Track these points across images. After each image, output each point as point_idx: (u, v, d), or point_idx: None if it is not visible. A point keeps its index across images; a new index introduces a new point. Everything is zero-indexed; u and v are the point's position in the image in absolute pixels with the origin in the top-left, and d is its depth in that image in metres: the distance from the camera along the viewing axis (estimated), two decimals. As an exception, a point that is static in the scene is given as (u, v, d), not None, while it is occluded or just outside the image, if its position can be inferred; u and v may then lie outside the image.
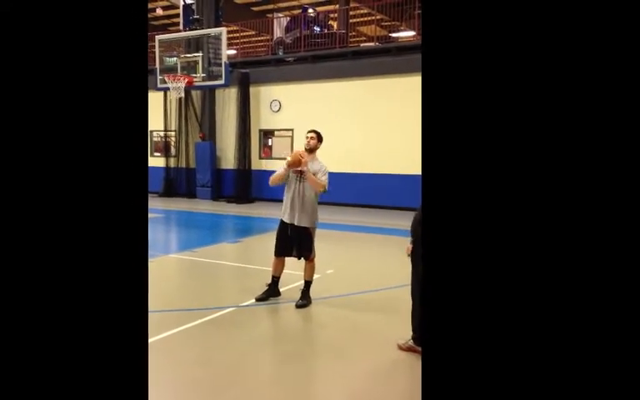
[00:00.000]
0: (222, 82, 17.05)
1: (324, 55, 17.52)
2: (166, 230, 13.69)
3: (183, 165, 19.92)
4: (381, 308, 6.52)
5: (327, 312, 6.43)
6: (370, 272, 8.58)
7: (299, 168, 6.22)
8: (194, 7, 18.31)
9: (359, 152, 16.44)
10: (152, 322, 5.09)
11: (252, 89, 18.36)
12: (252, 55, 25.56)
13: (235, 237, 12.76)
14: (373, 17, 21.07)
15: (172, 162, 20.32)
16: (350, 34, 21.06)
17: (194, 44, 17.64)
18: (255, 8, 26.41)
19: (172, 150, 20.48)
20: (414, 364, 4.66)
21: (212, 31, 17.50)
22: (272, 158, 18.59)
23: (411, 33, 21.24)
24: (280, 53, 18.82)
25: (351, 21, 22.64)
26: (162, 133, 20.52)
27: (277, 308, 6.55)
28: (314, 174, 6.25)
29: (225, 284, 8.07)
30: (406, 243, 5.05)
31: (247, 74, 18.26)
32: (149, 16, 24.70)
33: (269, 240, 11.81)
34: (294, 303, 6.50)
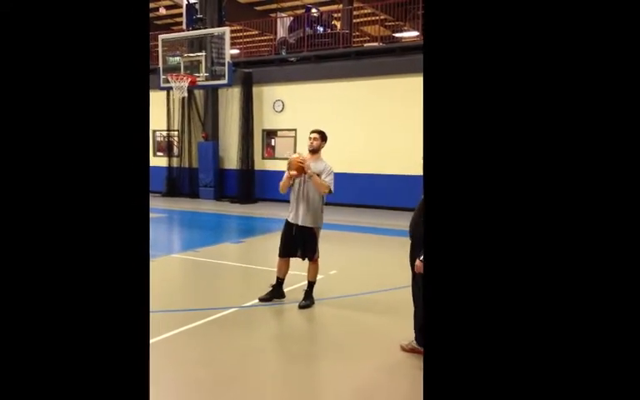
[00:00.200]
0: (225, 81, 17.02)
1: (327, 55, 17.50)
2: (168, 230, 13.69)
3: (186, 165, 19.92)
4: (384, 309, 6.50)
5: (330, 313, 6.41)
6: (373, 273, 8.56)
7: (304, 174, 6.20)
8: (197, 6, 18.29)
9: (362, 152, 16.42)
10: (155, 322, 5.12)
11: (255, 89, 18.35)
12: (255, 55, 25.57)
13: (238, 238, 12.74)
14: (377, 17, 21.06)
15: (175, 162, 20.32)
16: (353, 34, 21.07)
17: (197, 44, 17.62)
18: (258, 8, 26.42)
19: (175, 150, 20.48)
20: (417, 365, 4.64)
21: (216, 30, 17.48)
22: (275, 158, 18.57)
23: (414, 33, 21.21)
24: (283, 53, 18.80)
25: (354, 21, 22.65)
26: (164, 133, 20.52)
27: (279, 309, 6.53)
28: (318, 174, 6.22)
29: (228, 284, 8.06)
30: (408, 244, 5.02)
31: (250, 74, 18.24)
32: (152, 15, 24.74)
33: (272, 240, 11.99)
34: (297, 304, 6.49)
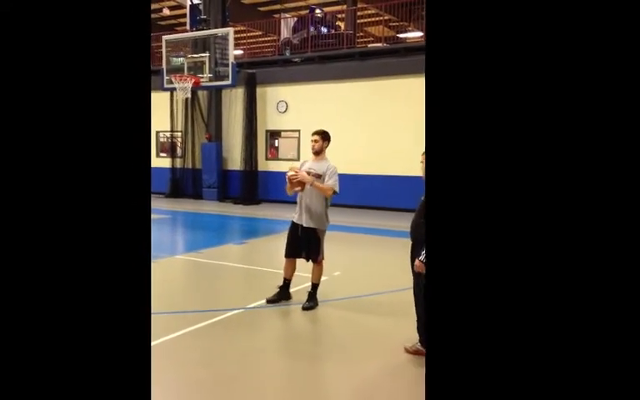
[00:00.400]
0: (228, 82, 16.99)
1: (331, 56, 17.46)
2: (172, 231, 13.66)
3: (189, 166, 19.89)
4: (387, 311, 6.47)
5: (334, 315, 6.39)
6: (377, 275, 8.53)
7: (305, 183, 6.19)
8: (201, 7, 18.26)
9: (366, 153, 16.38)
10: (158, 323, 5.13)
11: (258, 90, 18.32)
12: (259, 55, 25.56)
13: (241, 239, 12.70)
14: (381, 18, 21.02)
15: (179, 163, 20.29)
16: (357, 35, 21.00)
17: (201, 44, 17.60)
18: (262, 8, 26.39)
19: (179, 151, 20.46)
20: (420, 367, 4.58)
21: (219, 31, 17.45)
22: (278, 159, 18.53)
23: (419, 34, 21.17)
24: (287, 54, 18.77)
25: (358, 21, 22.61)
26: (168, 134, 20.50)
27: (283, 310, 6.49)
28: (321, 176, 6.21)
29: (231, 286, 8.03)
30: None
31: (253, 75, 18.21)
32: (156, 16, 24.76)
33: (275, 242, 12.01)
34: (301, 305, 6.45)
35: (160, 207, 16.51)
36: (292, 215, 6.56)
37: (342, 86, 16.87)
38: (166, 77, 17.55)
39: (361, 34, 24.53)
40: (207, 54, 17.19)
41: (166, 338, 5.27)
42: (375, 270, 8.98)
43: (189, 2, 18.30)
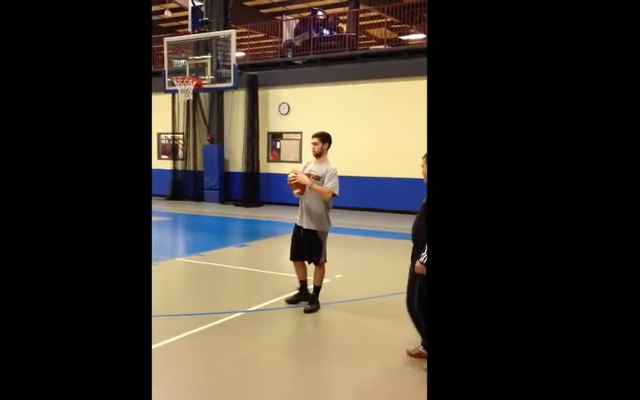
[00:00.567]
0: (230, 84, 16.94)
1: (333, 58, 17.43)
2: (173, 233, 13.61)
3: (191, 168, 19.85)
4: (390, 313, 6.43)
5: (336, 317, 6.38)
6: (379, 277, 8.52)
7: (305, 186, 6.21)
8: (203, 9, 18.23)
9: (368, 155, 16.34)
10: (159, 326, 5.11)
11: (260, 92, 18.29)
12: (260, 57, 25.54)
13: (243, 241, 12.65)
14: (383, 20, 21.00)
15: (180, 165, 20.25)
16: (360, 37, 20.98)
17: (203, 46, 17.55)
18: (264, 11, 26.39)
19: (180, 153, 20.42)
20: (422, 369, 4.62)
21: (221, 33, 17.41)
22: (280, 161, 18.50)
23: (421, 36, 21.13)
24: (289, 56, 18.75)
25: (360, 23, 22.58)
26: (169, 136, 20.46)
27: (285, 313, 6.47)
28: (320, 178, 6.21)
29: (232, 289, 8.02)
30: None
31: (255, 77, 18.19)
32: (157, 18, 24.76)
33: (277, 244, 12.04)
34: (303, 308, 6.45)
35: (161, 209, 16.49)
36: (295, 217, 6.57)
37: (344, 88, 16.84)
38: (167, 79, 17.51)
39: (363, 36, 24.53)
40: (209, 56, 17.14)
41: (167, 341, 5.26)
42: (377, 272, 8.96)
43: (191, 4, 18.28)
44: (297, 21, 20.21)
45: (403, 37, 22.11)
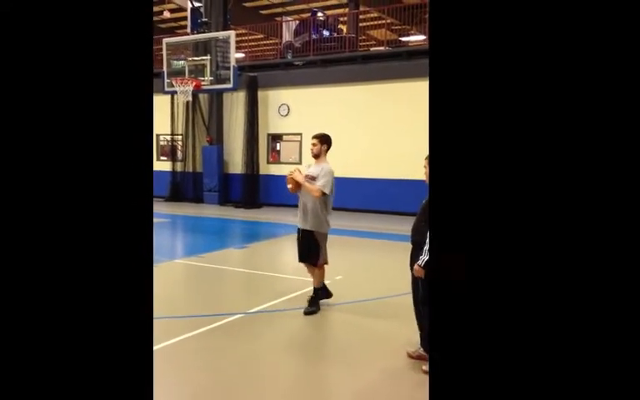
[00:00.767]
0: (230, 85, 16.86)
1: (333, 59, 17.41)
2: (172, 235, 13.56)
3: (190, 169, 19.82)
4: (390, 315, 6.44)
5: (336, 319, 6.39)
6: (379, 279, 8.50)
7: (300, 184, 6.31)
8: (202, 10, 18.18)
9: (368, 156, 16.32)
10: (159, 328, 5.07)
11: (260, 93, 18.26)
12: (260, 59, 25.51)
13: (242, 243, 12.61)
14: (383, 21, 20.98)
15: (179, 167, 20.22)
16: (360, 38, 20.95)
17: (202, 47, 17.49)
18: (264, 12, 26.37)
19: (179, 154, 20.38)
20: (423, 372, 4.62)
21: (221, 34, 17.35)
22: (280, 163, 18.46)
23: (421, 37, 21.10)
24: (289, 57, 18.72)
25: (360, 25, 22.57)
26: (168, 137, 20.42)
27: (285, 315, 6.46)
28: (315, 178, 6.23)
29: (232, 290, 8.00)
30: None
31: (255, 78, 18.16)
32: (156, 19, 24.70)
33: (277, 245, 12.03)
34: (302, 310, 6.43)
35: (160, 210, 16.44)
36: (296, 219, 6.59)
37: (344, 89, 16.81)
38: (166, 80, 17.43)
39: (363, 37, 24.51)
40: (209, 57, 17.07)
41: (167, 343, 5.25)
42: (377, 274, 8.94)
43: (190, 5, 18.21)
44: (297, 22, 20.19)
45: (403, 39, 22.12)
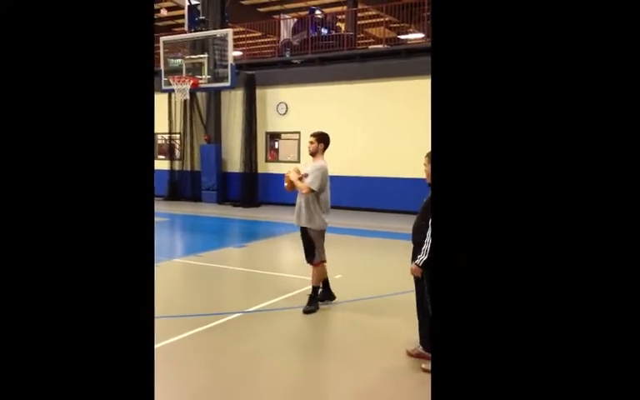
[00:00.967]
0: (227, 84, 16.81)
1: (332, 57, 17.35)
2: (171, 234, 13.53)
3: (188, 168, 19.76)
4: (389, 313, 6.44)
5: (335, 318, 6.40)
6: (378, 277, 8.49)
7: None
8: (199, 7, 18.10)
9: (367, 155, 16.28)
10: (158, 327, 5.00)
11: (258, 91, 18.21)
12: (258, 57, 25.44)
13: (241, 242, 12.60)
14: (382, 19, 20.94)
15: (177, 165, 20.17)
16: (358, 36, 20.90)
17: (199, 45, 17.44)
18: (261, 9, 26.29)
19: (177, 153, 20.32)
20: (423, 371, 4.63)
21: (218, 32, 17.29)
22: (278, 161, 18.41)
23: (420, 36, 21.07)
24: (287, 55, 18.66)
25: (359, 23, 22.54)
26: (166, 136, 20.34)
27: (284, 313, 6.45)
28: (307, 175, 6.29)
29: (231, 289, 7.98)
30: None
31: (253, 76, 18.10)
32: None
33: (276, 244, 12.00)
34: (302, 309, 6.42)
35: (158, 209, 16.34)
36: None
37: (343, 87, 16.76)
38: (164, 79, 17.35)
39: (361, 35, 24.46)
40: (206, 55, 17.01)
41: (166, 342, 5.25)
42: (376, 272, 8.92)
43: (187, 3, 18.12)
44: (295, 20, 20.13)
45: (402, 37, 22.06)
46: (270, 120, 18.37)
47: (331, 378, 4.81)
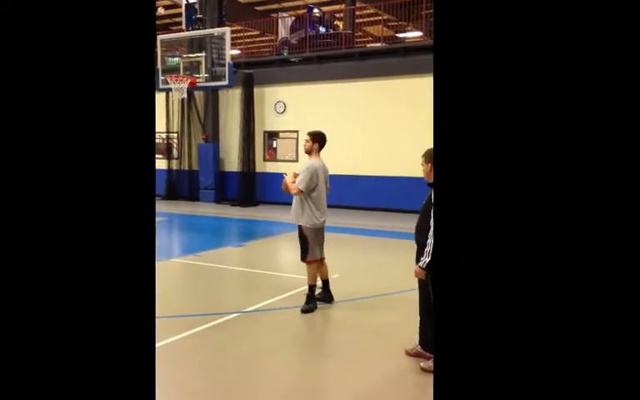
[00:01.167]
0: (225, 82, 16.79)
1: (330, 56, 17.30)
2: (169, 234, 13.47)
3: (186, 167, 19.70)
4: (388, 313, 6.44)
5: (333, 317, 6.39)
6: (377, 276, 8.48)
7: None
8: (197, 6, 18.04)
9: (365, 154, 16.24)
10: (158, 327, 4.94)
11: (256, 90, 18.15)
12: (256, 55, 25.41)
13: (239, 241, 12.55)
14: (380, 18, 20.90)
15: (175, 165, 20.10)
16: (356, 34, 20.86)
17: (197, 44, 17.40)
18: (259, 8, 26.24)
19: (175, 152, 20.25)
20: (421, 371, 4.66)
21: (216, 31, 17.26)
22: (276, 160, 18.35)
23: (418, 34, 21.04)
24: (285, 54, 18.60)
25: (357, 21, 22.49)
26: (164, 135, 20.26)
27: (282, 313, 6.44)
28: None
29: (229, 289, 7.97)
30: (413, 246, 4.89)
31: (251, 75, 18.04)
32: (152, 16, 24.48)
33: (274, 244, 11.97)
34: (300, 308, 6.42)
35: (156, 209, 16.23)
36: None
37: (341, 86, 16.71)
38: (161, 78, 17.31)
39: (360, 34, 24.42)
40: (204, 54, 16.98)
41: (165, 342, 5.24)
42: (375, 272, 8.91)
43: (185, 1, 18.08)
44: (293, 18, 20.07)
45: (400, 35, 22.03)
46: (268, 119, 18.32)
47: (330, 378, 4.80)
